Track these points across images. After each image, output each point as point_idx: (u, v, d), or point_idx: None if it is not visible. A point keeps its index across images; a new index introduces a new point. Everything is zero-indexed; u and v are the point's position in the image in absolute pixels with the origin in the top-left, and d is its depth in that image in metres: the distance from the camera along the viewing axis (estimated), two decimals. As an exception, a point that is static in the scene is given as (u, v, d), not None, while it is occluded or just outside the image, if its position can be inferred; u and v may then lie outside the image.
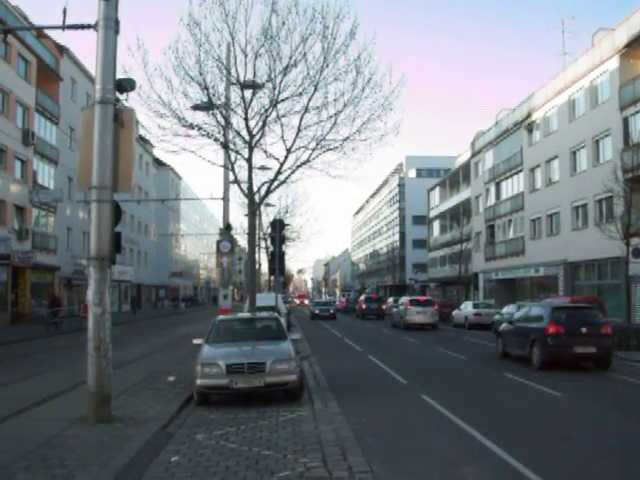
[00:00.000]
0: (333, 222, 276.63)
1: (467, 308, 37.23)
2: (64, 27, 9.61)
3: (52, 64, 41.53)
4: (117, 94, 9.38)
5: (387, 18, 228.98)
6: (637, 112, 28.87)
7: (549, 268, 37.56)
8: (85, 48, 19.45)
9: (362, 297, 58.79)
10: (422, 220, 74.37)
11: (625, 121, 29.68)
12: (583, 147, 33.94)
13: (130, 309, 55.46)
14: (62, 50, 43.55)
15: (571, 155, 35.28)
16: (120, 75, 9.86)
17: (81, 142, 9.38)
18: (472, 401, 11.64)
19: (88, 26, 9.29)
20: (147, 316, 51.57)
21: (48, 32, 37.73)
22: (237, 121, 16.87)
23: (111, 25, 9.07)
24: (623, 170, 24.60)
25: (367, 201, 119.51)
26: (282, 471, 6.72)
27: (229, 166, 17.85)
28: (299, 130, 16.31)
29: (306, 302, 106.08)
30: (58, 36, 51.30)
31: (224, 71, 15.97)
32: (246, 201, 18.73)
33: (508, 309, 31.17)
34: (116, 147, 9.09)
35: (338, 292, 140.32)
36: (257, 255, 39.50)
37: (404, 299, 41.39)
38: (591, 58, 33.08)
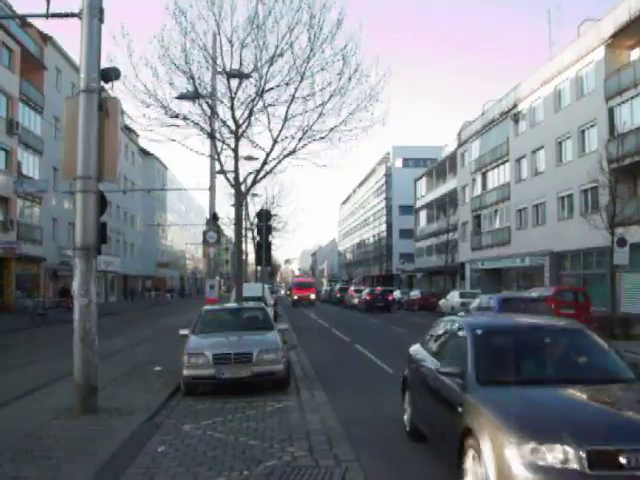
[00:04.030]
0: (320, 212, 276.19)
1: (454, 298, 37.44)
2: (48, 15, 9.49)
3: (36, 53, 41.04)
4: (102, 83, 9.30)
5: (375, 8, 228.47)
6: (622, 102, 29.04)
7: (535, 258, 37.79)
8: (70, 37, 19.26)
9: (337, 287, 71.46)
10: (409, 210, 74.53)
11: (610, 111, 29.83)
12: (569, 137, 34.12)
13: (129, 297, 64.78)
14: (46, 39, 43.02)
15: (557, 145, 35.47)
16: (105, 64, 9.76)
17: (66, 132, 9.28)
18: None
19: (72, 14, 9.17)
20: (135, 306, 51.43)
21: (32, 20, 37.26)
22: (223, 111, 16.73)
23: (95, 13, 8.95)
24: (608, 160, 24.78)
25: (354, 191, 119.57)
26: (269, 460, 6.75)
27: (215, 156, 17.69)
28: (285, 120, 16.20)
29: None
30: (43, 25, 50.72)
31: (210, 60, 15.82)
32: (232, 191, 18.64)
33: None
34: (101, 137, 9.00)
35: (325, 282, 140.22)
36: (244, 245, 39.41)
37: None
38: (577, 49, 33.19)
